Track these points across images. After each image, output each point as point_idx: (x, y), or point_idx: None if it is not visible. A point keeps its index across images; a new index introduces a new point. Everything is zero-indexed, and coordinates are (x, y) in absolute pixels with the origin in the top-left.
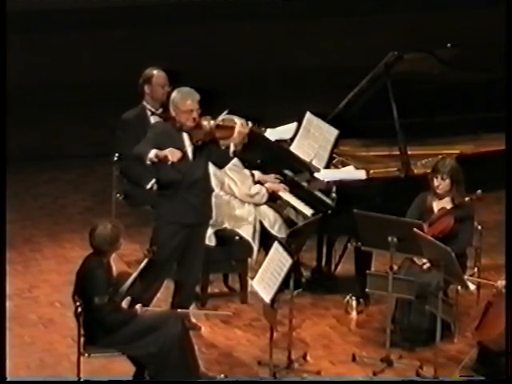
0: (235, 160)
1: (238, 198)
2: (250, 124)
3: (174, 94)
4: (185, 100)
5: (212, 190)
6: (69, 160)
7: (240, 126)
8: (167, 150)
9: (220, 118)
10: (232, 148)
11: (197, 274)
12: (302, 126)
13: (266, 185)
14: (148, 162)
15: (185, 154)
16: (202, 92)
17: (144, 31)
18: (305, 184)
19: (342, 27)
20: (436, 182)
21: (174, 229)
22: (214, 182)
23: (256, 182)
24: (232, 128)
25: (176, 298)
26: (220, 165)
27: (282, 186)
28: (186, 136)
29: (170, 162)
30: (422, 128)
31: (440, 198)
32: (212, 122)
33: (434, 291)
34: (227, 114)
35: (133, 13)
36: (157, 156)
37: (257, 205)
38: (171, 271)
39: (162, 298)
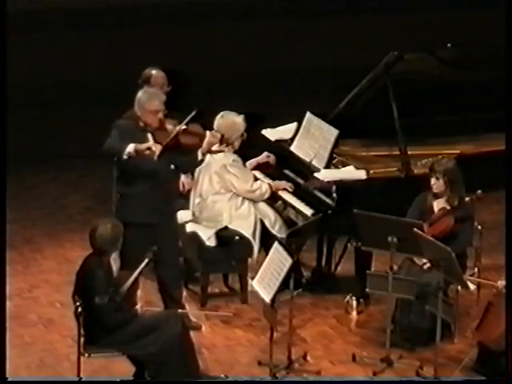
0: (235, 156)
1: (239, 193)
2: (219, 135)
3: (140, 94)
4: (151, 100)
5: (173, 191)
6: (69, 160)
7: (210, 135)
8: (149, 142)
9: (187, 119)
10: (200, 156)
11: (176, 270)
12: (302, 125)
13: (271, 182)
14: (125, 157)
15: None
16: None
17: (144, 31)
18: (305, 184)
19: (342, 27)
20: (432, 182)
21: (137, 229)
22: (215, 180)
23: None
24: (198, 135)
25: (163, 296)
26: (184, 170)
27: (289, 184)
28: (150, 137)
29: (150, 154)
30: (422, 128)
31: (440, 197)
32: (178, 127)
33: (434, 291)
34: (195, 115)
35: (133, 13)
36: (136, 150)
37: (256, 203)
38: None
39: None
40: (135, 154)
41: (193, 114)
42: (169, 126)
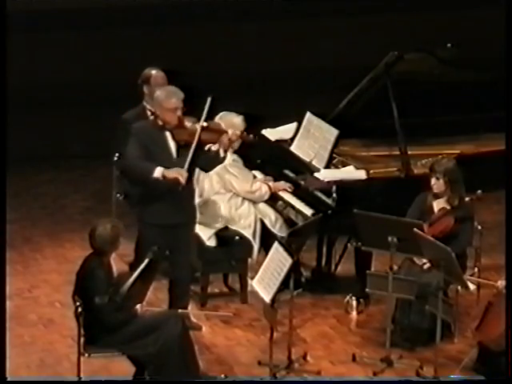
0: (235, 156)
1: (238, 193)
2: (239, 131)
3: (158, 93)
4: (170, 98)
5: (194, 190)
6: (69, 160)
7: (232, 133)
8: (174, 170)
9: (206, 109)
10: (222, 154)
11: (189, 272)
12: (302, 126)
13: (270, 184)
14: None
15: (169, 153)
16: (195, 92)
17: (144, 31)
18: (305, 184)
19: (341, 27)
20: (432, 182)
21: (159, 230)
22: (215, 180)
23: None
24: (218, 132)
25: (172, 296)
26: (206, 168)
27: (288, 185)
28: (168, 135)
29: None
30: (422, 128)
31: (440, 197)
32: (198, 124)
33: (434, 291)
34: (210, 104)
35: (133, 13)
36: (164, 177)
37: (257, 203)
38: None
39: (163, 298)
40: (162, 178)
41: (208, 101)
42: (188, 124)
